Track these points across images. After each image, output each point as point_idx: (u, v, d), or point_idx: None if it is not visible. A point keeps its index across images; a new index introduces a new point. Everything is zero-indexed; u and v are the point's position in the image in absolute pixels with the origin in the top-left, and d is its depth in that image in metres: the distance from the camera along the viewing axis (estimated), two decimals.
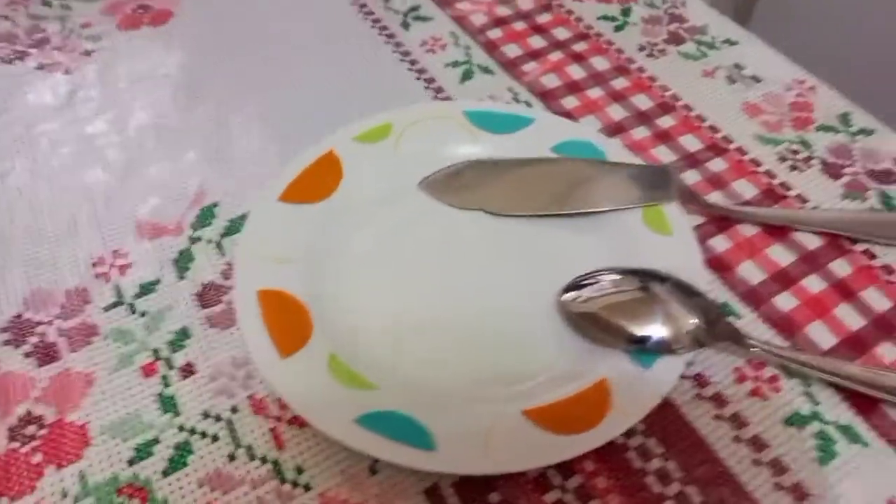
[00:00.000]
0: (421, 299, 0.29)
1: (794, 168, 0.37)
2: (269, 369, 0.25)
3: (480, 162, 0.34)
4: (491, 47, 0.44)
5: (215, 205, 0.33)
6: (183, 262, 0.31)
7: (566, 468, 0.25)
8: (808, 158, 0.37)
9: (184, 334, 0.28)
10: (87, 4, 0.45)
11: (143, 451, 0.25)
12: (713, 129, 0.39)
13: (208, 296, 0.30)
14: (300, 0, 0.46)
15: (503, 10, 0.46)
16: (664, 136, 0.38)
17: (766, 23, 0.88)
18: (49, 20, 0.44)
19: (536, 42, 0.44)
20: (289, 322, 0.27)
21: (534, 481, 0.25)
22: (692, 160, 0.37)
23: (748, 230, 0.34)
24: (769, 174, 0.36)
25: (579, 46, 0.44)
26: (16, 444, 0.25)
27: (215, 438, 0.25)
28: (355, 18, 0.45)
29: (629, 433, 0.26)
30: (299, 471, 0.25)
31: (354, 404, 0.25)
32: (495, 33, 0.45)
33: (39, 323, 0.28)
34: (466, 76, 0.41)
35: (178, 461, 0.25)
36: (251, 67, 0.41)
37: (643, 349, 0.27)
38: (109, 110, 0.38)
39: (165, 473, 0.24)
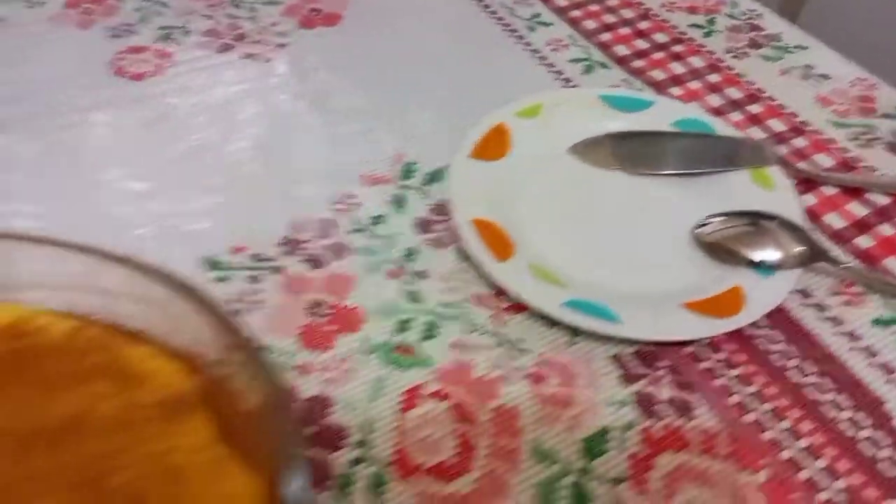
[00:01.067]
0: (586, 232, 0.38)
1: (863, 146, 0.46)
2: (491, 269, 0.35)
3: (615, 133, 0.43)
4: (604, 47, 0.53)
5: (413, 163, 0.43)
6: (398, 202, 0.40)
7: (714, 346, 0.34)
8: (874, 139, 0.46)
9: (412, 251, 0.38)
10: (269, 7, 0.55)
11: (403, 327, 0.34)
12: (793, 115, 0.48)
13: (423, 226, 0.39)
14: (439, 11, 0.56)
15: (609, 18, 0.56)
16: (755, 120, 0.48)
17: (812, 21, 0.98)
18: (242, 20, 0.54)
19: (641, 44, 0.54)
20: (497, 240, 0.36)
21: (691, 354, 0.34)
22: (779, 138, 0.46)
23: (829, 191, 0.43)
24: (843, 150, 0.45)
25: (677, 48, 0.53)
26: (312, 318, 0.34)
27: (454, 318, 0.34)
28: (489, 24, 0.55)
29: (757, 324, 0.35)
30: (518, 342, 0.34)
31: (556, 294, 0.34)
32: (605, 36, 0.54)
33: (305, 241, 0.38)
34: (588, 70, 0.51)
35: (429, 333, 0.34)
36: (415, 61, 0.50)
37: (762, 267, 0.36)
38: (308, 93, 0.48)
39: (421, 340, 0.34)
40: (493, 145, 0.42)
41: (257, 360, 0.24)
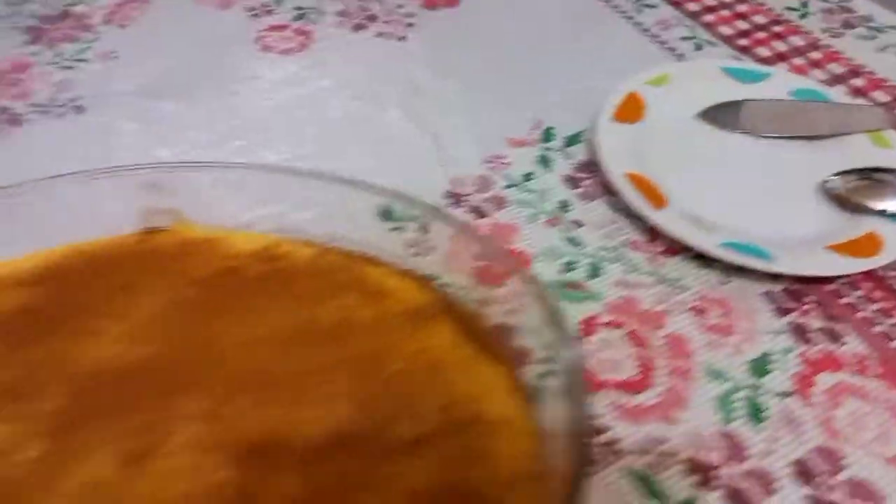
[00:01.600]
0: (725, 187, 0.42)
1: None
2: (650, 216, 0.38)
3: (740, 100, 0.47)
4: (708, 27, 0.57)
5: (551, 128, 0.46)
6: (544, 162, 0.44)
7: (853, 285, 0.38)
8: None
9: (565, 203, 0.41)
10: None
11: (569, 267, 0.38)
12: (895, 87, 0.51)
13: (571, 182, 0.43)
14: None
15: (709, 1, 0.59)
16: (859, 92, 0.51)
17: None
18: (370, 2, 0.58)
19: (742, 25, 0.57)
20: (650, 191, 0.40)
21: (833, 291, 0.37)
22: (886, 107, 0.49)
23: None
24: None
25: (777, 28, 0.57)
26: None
27: (614, 260, 0.38)
28: (598, 6, 0.58)
29: (890, 266, 0.38)
30: (676, 280, 0.37)
31: (712, 237, 0.37)
32: (708, 17, 0.58)
33: (466, 195, 0.42)
34: (698, 47, 0.54)
35: (594, 273, 0.37)
36: (535, 40, 0.54)
37: (888, 215, 0.39)
38: (443, 67, 0.51)
39: (588, 279, 0.37)
40: (630, 110, 0.45)
41: (526, 278, 0.28)
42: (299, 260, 0.31)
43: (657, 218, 0.38)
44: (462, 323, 0.29)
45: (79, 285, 0.29)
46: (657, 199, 0.40)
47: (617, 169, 0.41)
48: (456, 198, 0.42)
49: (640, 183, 0.40)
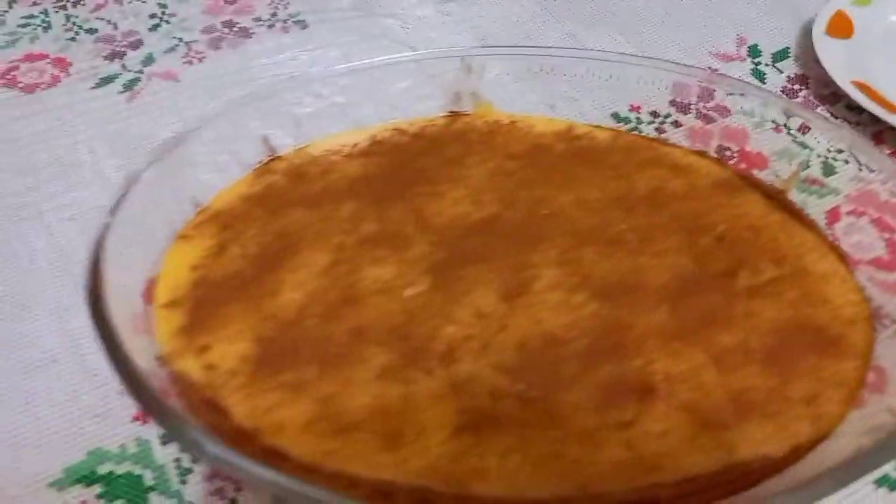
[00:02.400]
0: None
1: None
2: (886, 117, 0.40)
3: None
4: None
5: (755, 44, 0.48)
6: (758, 75, 0.46)
7: None
8: None
9: (787, 110, 0.43)
10: None
11: (804, 165, 0.40)
12: None
13: (787, 93, 0.45)
14: None
15: None
16: None
17: None
18: None
19: None
20: (877, 97, 0.42)
21: None
22: None
23: None
24: None
25: None
26: None
27: (845, 161, 0.40)
28: None
29: None
30: None
31: None
32: None
33: (690, 103, 0.44)
34: None
35: (829, 171, 0.39)
36: None
37: None
38: None
39: (824, 176, 0.40)
40: (840, 26, 0.47)
41: None
42: (600, 140, 0.34)
43: (893, 120, 0.41)
44: (767, 195, 0.32)
45: (410, 157, 0.32)
46: (887, 105, 0.42)
47: (841, 77, 0.43)
48: (679, 105, 0.44)
49: (866, 90, 0.43)
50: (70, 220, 0.38)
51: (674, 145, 0.34)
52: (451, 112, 0.34)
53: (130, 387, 0.22)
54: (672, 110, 0.44)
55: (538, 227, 0.30)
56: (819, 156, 0.42)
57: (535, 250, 0.29)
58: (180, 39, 0.49)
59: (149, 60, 0.47)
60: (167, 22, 0.51)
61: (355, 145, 0.33)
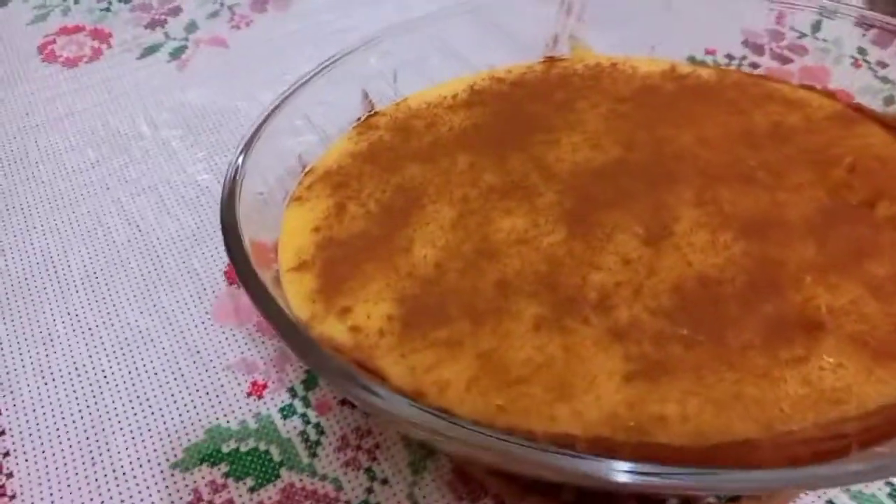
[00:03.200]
0: None
1: None
2: None
3: None
4: None
5: None
6: (824, 11, 0.45)
7: None
8: None
9: (861, 49, 0.42)
10: None
11: (889, 101, 0.39)
12: None
13: (861, 26, 0.44)
14: None
15: None
16: None
17: None
18: None
19: None
20: None
21: None
22: None
23: None
24: None
25: None
26: None
27: None
28: None
29: None
30: None
31: None
32: None
33: (763, 44, 0.43)
34: None
35: None
36: None
37: None
38: None
39: None
40: None
41: None
42: (706, 78, 0.33)
43: None
44: (884, 125, 0.31)
45: (515, 105, 0.31)
46: None
47: None
48: (753, 47, 0.43)
49: None
50: (140, 195, 0.37)
51: (780, 80, 0.33)
52: (549, 57, 0.33)
53: (296, 346, 0.21)
54: (747, 51, 0.44)
55: (666, 167, 0.28)
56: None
57: (668, 192, 0.28)
58: (221, 3, 0.47)
59: (192, 27, 0.45)
60: None
61: (455, 96, 0.31)
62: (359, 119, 0.30)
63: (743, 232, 0.26)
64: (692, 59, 0.42)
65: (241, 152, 0.25)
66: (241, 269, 0.23)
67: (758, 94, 0.31)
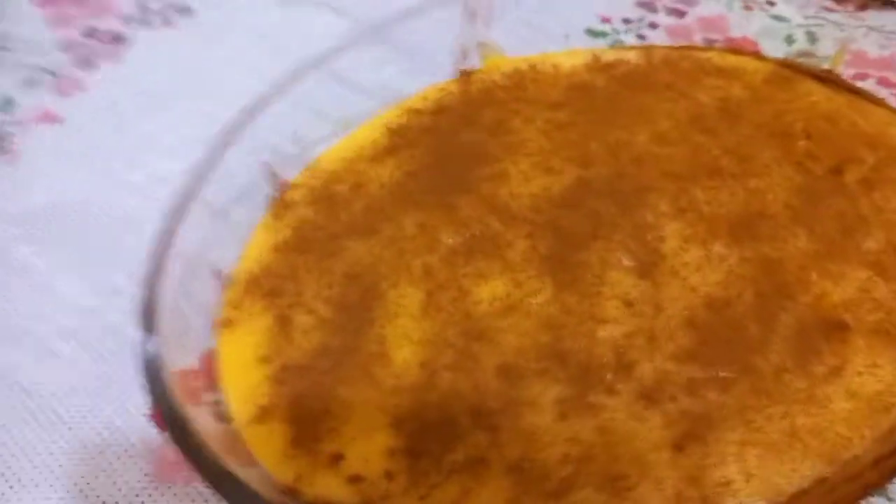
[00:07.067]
0: None
1: None
2: None
3: None
4: None
5: None
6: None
7: None
8: None
9: None
10: None
11: (790, 40, 0.38)
12: None
13: None
14: None
15: None
16: None
17: None
18: None
19: None
20: None
21: None
22: None
23: None
24: None
25: None
26: None
27: (822, 26, 0.39)
28: None
29: None
30: (883, 26, 0.39)
31: None
32: None
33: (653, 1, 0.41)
34: None
35: (812, 39, 0.38)
36: None
37: None
38: None
39: (811, 45, 0.38)
40: None
41: None
42: (633, 63, 0.30)
43: None
44: (818, 79, 0.29)
45: (447, 139, 0.26)
46: None
47: None
48: (648, 6, 0.41)
49: None
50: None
51: (703, 48, 0.31)
52: (463, 71, 0.29)
53: None
54: (643, 12, 0.42)
55: (630, 177, 0.25)
56: (799, 26, 0.41)
57: (643, 205, 0.25)
58: (37, 66, 0.38)
59: (8, 105, 0.36)
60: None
61: (374, 142, 0.27)
62: (269, 199, 0.25)
63: (732, 236, 0.24)
64: (591, 31, 0.40)
65: (144, 316, 0.19)
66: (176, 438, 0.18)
67: (690, 68, 0.29)
